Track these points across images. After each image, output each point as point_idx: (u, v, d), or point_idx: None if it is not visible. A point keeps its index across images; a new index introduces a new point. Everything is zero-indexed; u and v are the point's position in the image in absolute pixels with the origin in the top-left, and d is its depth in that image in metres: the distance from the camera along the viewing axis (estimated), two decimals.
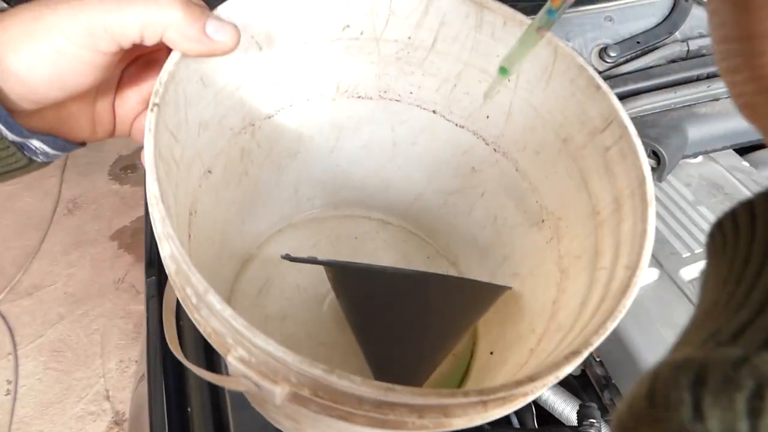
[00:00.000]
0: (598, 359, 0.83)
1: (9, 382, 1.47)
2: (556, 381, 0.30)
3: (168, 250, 0.30)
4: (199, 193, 0.41)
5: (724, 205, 0.87)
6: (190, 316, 0.31)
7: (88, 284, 1.69)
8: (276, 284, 0.54)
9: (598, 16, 0.90)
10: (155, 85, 0.31)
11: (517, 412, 0.60)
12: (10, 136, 0.33)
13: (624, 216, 0.35)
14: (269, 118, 0.45)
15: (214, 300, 0.27)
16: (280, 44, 0.41)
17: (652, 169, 0.89)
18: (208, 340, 0.31)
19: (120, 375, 1.53)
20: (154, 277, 0.62)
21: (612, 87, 0.80)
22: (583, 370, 0.90)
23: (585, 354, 0.29)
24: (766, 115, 0.22)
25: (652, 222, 0.33)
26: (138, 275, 1.71)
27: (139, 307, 1.64)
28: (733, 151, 0.96)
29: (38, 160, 0.36)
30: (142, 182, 1.97)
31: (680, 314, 0.73)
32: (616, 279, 0.33)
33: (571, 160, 0.41)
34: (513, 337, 0.45)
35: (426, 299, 0.46)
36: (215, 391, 0.54)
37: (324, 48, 0.43)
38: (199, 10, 0.32)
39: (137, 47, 0.32)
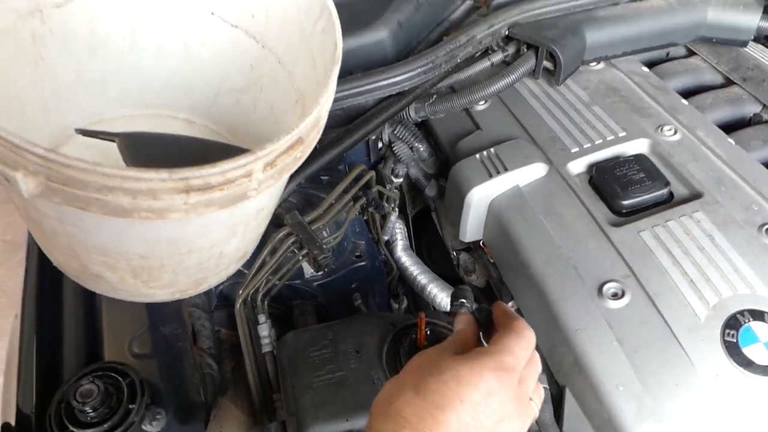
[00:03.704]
0: (492, 261, 0.83)
1: None
2: None
3: None
4: None
5: (619, 106, 0.85)
6: None
7: None
8: None
9: None
10: None
11: None
12: None
13: None
14: (58, 7, 0.53)
15: None
16: None
17: (549, 71, 0.88)
18: None
19: None
20: None
21: None
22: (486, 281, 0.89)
23: None
24: None
25: None
26: None
27: None
28: (636, 60, 0.95)
29: None
30: None
31: (563, 205, 0.72)
32: None
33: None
34: None
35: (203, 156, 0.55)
36: None
37: None
38: None
39: None
